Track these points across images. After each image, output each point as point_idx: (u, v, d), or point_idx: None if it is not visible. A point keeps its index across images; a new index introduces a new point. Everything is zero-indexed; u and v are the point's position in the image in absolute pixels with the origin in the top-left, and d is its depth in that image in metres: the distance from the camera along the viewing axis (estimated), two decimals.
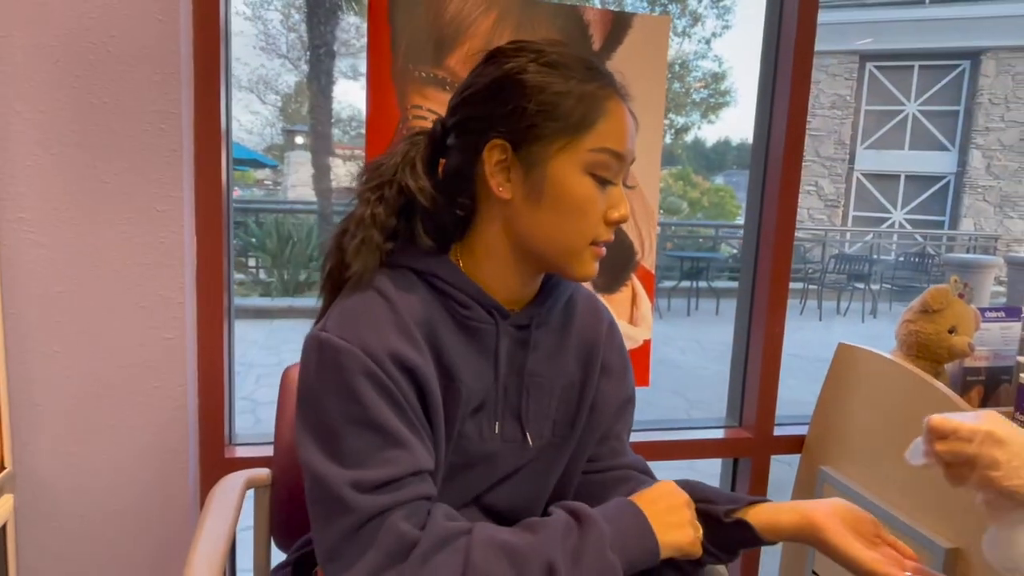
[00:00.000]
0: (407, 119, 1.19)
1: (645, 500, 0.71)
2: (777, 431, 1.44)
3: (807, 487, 1.39)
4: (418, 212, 0.73)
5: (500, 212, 0.72)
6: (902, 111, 13.90)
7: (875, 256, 10.11)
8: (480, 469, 0.75)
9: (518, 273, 0.75)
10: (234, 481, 1.00)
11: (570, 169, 0.69)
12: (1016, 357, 1.28)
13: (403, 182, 0.72)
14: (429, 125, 0.76)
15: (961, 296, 1.32)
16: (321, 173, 10.02)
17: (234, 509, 0.94)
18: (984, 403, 1.34)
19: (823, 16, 1.40)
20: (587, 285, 0.91)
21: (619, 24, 1.27)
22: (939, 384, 1.14)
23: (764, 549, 1.45)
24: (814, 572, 1.33)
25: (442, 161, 0.75)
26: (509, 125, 0.69)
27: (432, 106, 1.18)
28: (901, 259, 10.35)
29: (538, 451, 0.79)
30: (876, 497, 1.22)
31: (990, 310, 1.37)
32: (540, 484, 0.81)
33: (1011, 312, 1.38)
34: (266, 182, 18.30)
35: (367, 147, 1.20)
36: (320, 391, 0.67)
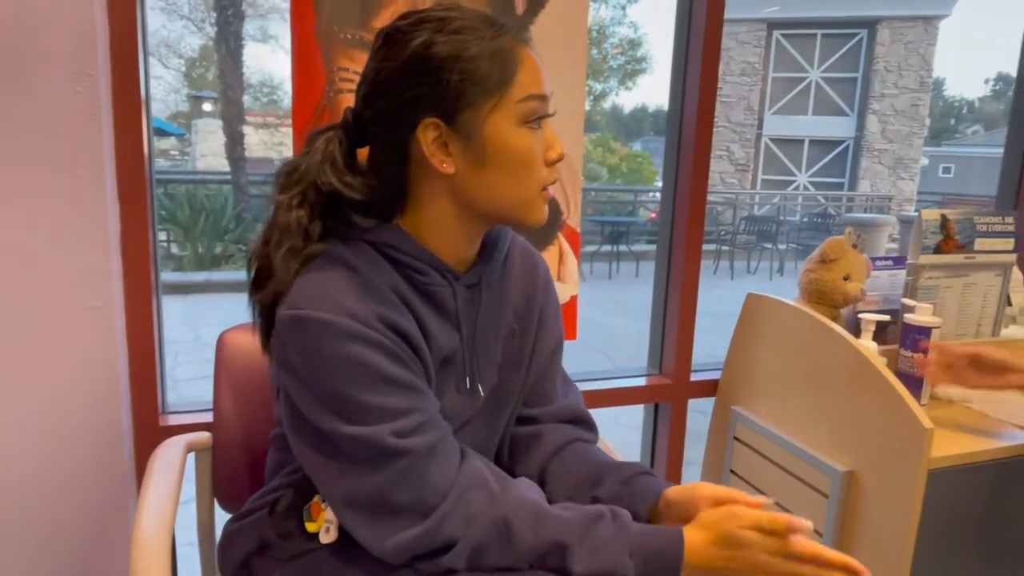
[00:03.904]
0: (334, 82, 1.19)
1: (711, 541, 0.70)
2: (693, 377, 1.55)
3: (721, 427, 1.50)
4: (347, 205, 0.73)
5: (444, 187, 0.73)
6: (806, 78, 14.55)
7: (782, 217, 10.65)
8: None
9: (466, 239, 0.77)
10: (175, 444, 1.01)
11: (505, 126, 0.71)
12: (900, 300, 1.42)
13: (323, 180, 0.71)
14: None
15: (855, 246, 1.44)
16: (234, 141, 9.61)
17: (177, 471, 0.95)
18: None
19: None
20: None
21: None
22: (836, 327, 1.26)
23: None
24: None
25: (361, 151, 0.75)
26: (435, 101, 0.69)
27: (359, 68, 1.18)
28: (805, 220, 10.95)
29: (487, 397, 0.83)
30: (780, 430, 1.34)
31: (880, 259, 1.50)
32: (491, 430, 0.86)
33: (898, 260, 1.52)
34: (172, 152, 17.36)
35: (294, 111, 1.19)
36: (318, 367, 0.67)
